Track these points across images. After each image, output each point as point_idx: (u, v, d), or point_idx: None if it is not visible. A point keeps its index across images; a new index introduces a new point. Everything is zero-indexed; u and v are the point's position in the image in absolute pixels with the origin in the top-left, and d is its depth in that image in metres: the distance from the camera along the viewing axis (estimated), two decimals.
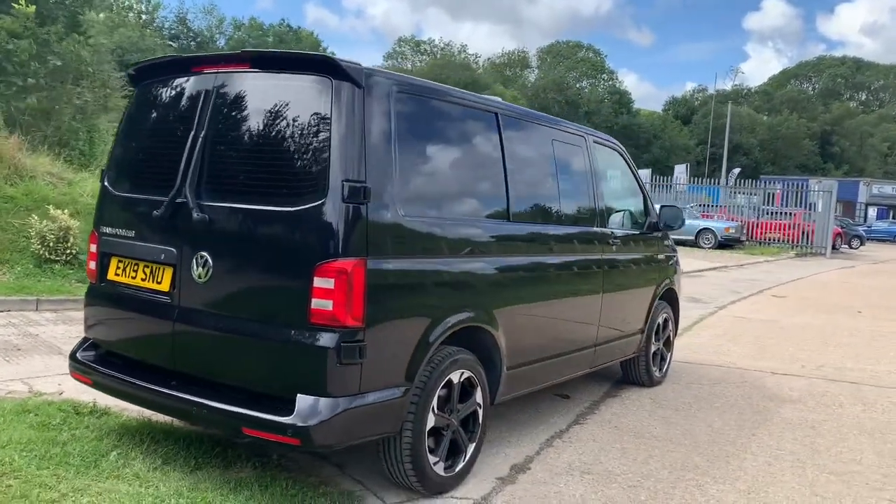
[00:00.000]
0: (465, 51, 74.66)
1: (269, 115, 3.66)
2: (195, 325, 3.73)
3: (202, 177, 3.76)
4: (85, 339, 4.36)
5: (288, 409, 3.39)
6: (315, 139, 3.49)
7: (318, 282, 3.37)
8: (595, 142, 5.84)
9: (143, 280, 3.99)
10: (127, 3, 54.59)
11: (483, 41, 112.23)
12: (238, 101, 3.78)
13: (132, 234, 4.07)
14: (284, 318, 3.49)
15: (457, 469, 4.13)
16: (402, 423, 3.73)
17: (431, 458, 3.91)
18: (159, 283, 3.89)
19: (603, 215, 5.64)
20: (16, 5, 17.51)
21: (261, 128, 3.69)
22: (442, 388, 3.94)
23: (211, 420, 3.69)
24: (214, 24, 59.81)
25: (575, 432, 5.32)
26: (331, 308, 3.36)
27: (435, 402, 3.88)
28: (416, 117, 3.89)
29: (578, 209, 5.38)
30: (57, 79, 16.01)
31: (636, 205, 6.46)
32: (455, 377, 4.03)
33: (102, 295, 4.25)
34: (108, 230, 4.24)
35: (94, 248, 4.34)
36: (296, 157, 3.55)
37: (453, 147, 4.22)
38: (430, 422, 3.87)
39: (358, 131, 3.47)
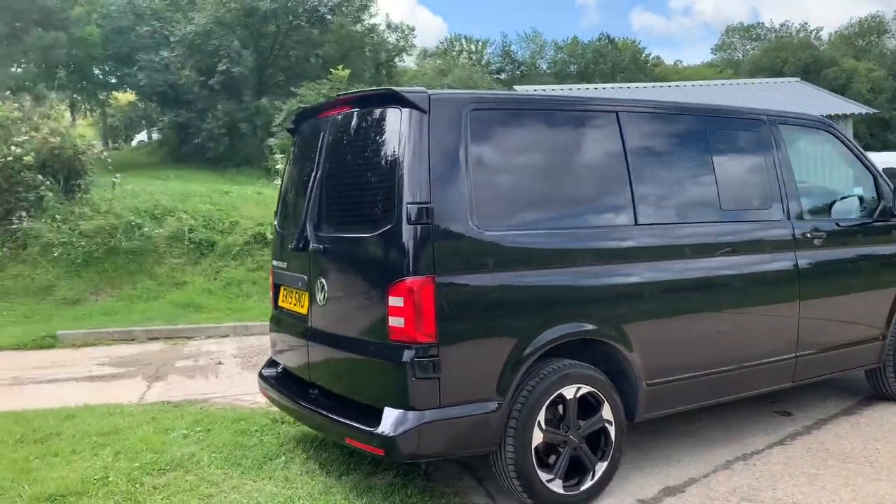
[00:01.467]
0: (805, 29, 67.44)
1: (358, 148, 4.00)
2: (319, 342, 4.19)
3: (317, 210, 4.22)
4: (270, 359, 5.08)
5: (378, 420, 3.62)
6: (389, 166, 3.72)
7: (392, 300, 3.57)
8: (783, 123, 5.12)
9: (293, 304, 4.56)
10: (456, 46, 59.57)
11: (832, 12, 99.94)
12: (337, 140, 4.19)
13: (285, 265, 4.69)
14: (374, 335, 3.75)
15: (582, 488, 3.96)
16: (502, 437, 3.72)
17: (543, 475, 3.81)
18: (301, 307, 4.42)
19: (795, 207, 4.91)
20: (333, 70, 20.57)
21: (352, 160, 4.04)
22: (552, 403, 3.84)
23: (329, 430, 4.08)
24: (536, 50, 61.92)
25: (768, 454, 4.69)
26: (403, 325, 3.53)
27: (542, 418, 3.80)
28: (496, 131, 3.89)
29: (750, 203, 4.77)
30: None
31: (859, 189, 5.48)
32: (568, 392, 3.89)
33: (277, 320, 4.93)
34: (276, 263, 4.92)
35: (271, 280, 5.06)
36: (376, 184, 3.81)
37: (546, 155, 4.08)
38: (538, 438, 3.79)
39: (423, 154, 3.60)
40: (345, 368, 4.05)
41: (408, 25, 40.70)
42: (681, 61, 66.23)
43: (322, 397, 4.21)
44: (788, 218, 4.87)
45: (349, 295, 4.02)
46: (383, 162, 3.79)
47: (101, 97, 33.03)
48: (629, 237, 4.19)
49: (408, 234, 3.54)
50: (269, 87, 25.13)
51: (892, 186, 5.38)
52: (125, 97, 36.08)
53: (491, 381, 3.68)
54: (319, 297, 4.15)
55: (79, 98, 32.47)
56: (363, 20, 28.28)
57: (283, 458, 4.59)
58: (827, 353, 5.07)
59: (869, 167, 5.49)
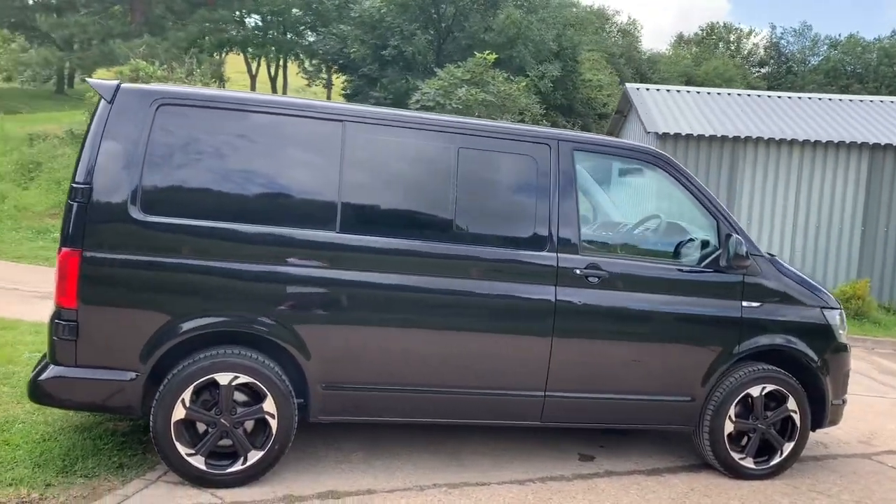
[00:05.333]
0: None
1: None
2: None
3: None
4: None
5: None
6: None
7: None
8: (588, 151, 4.80)
9: None
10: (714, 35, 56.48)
11: None
12: None
13: None
14: None
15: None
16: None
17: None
18: None
19: (569, 239, 4.61)
20: (478, 53, 20.83)
21: None
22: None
23: None
24: (808, 45, 56.82)
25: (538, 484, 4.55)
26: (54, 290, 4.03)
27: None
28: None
29: (494, 228, 4.59)
30: None
31: (701, 233, 4.96)
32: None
33: None
34: None
35: None
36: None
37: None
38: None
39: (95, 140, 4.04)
40: None
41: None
42: None
43: None
44: (553, 250, 4.58)
45: None
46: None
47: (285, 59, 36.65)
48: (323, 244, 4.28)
49: (67, 209, 4.00)
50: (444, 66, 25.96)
51: (738, 238, 4.78)
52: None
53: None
54: None
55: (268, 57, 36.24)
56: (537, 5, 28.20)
57: None
58: (597, 399, 4.73)
59: (710, 209, 4.92)
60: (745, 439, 5.00)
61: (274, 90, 39.79)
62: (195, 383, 4.11)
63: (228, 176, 4.22)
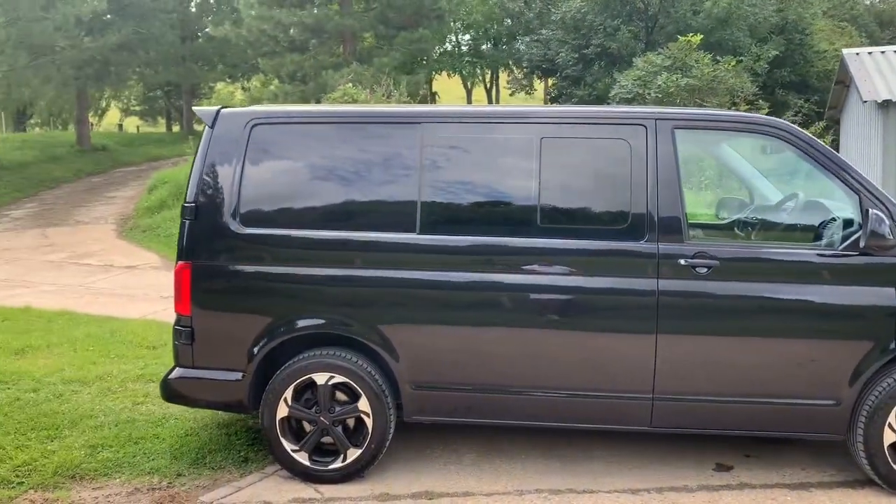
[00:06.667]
0: None
1: None
2: None
3: None
4: None
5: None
6: None
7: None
8: (689, 128, 4.36)
9: None
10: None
11: None
12: None
13: None
14: None
15: None
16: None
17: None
18: None
19: (671, 227, 4.21)
20: (681, 37, 19.77)
21: None
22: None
23: None
24: None
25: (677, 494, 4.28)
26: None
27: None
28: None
29: (583, 219, 4.31)
30: None
31: (824, 210, 4.28)
32: None
33: None
34: None
35: None
36: None
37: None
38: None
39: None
40: None
41: None
42: None
43: None
44: (652, 240, 4.21)
45: None
46: None
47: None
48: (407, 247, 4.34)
49: (181, 227, 4.46)
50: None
51: (877, 214, 4.04)
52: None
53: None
54: None
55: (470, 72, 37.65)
56: None
57: None
58: (715, 403, 4.26)
59: (848, 181, 4.21)
60: None
61: (490, 101, 40.96)
62: (295, 382, 4.36)
63: (311, 186, 4.44)
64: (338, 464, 4.39)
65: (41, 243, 16.54)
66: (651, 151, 4.26)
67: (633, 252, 4.22)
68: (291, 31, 23.07)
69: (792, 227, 4.68)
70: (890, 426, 4.16)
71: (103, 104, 44.04)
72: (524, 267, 4.28)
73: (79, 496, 4.26)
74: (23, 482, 4.37)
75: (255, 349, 4.37)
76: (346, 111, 4.76)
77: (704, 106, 17.17)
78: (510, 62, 36.50)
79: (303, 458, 4.40)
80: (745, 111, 18.95)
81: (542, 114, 4.53)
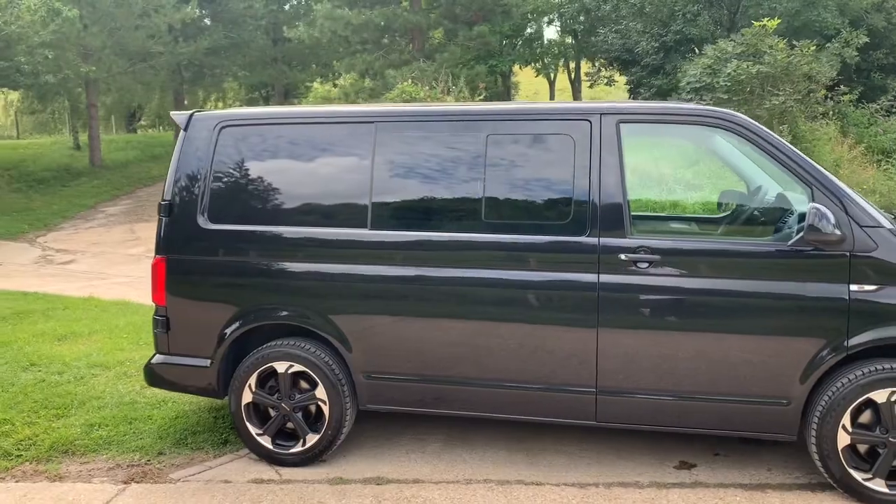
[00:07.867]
0: None
1: None
2: None
3: None
4: None
5: None
6: None
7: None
8: (634, 122, 4.32)
9: None
10: None
11: None
12: None
13: None
14: None
15: None
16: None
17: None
18: None
19: (613, 221, 4.20)
20: (756, 22, 18.98)
21: None
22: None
23: None
24: None
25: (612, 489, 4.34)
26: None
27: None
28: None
29: (526, 215, 4.34)
30: None
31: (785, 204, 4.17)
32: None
33: None
34: None
35: None
36: None
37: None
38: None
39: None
40: None
41: None
42: None
43: None
44: (594, 234, 4.20)
45: None
46: None
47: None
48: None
49: (158, 224, 4.81)
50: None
51: (816, 208, 3.89)
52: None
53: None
54: None
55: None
56: None
57: None
58: (661, 400, 4.22)
59: (801, 174, 4.06)
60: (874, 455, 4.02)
61: (575, 96, 40.41)
62: (258, 370, 4.63)
63: (272, 184, 4.68)
64: (297, 448, 4.63)
65: (127, 238, 17.73)
66: (595, 146, 4.26)
67: (574, 246, 4.24)
68: (364, 33, 23.62)
69: (752, 222, 4.55)
70: (844, 428, 4.01)
71: (208, 106, 46.37)
72: (469, 261, 4.38)
73: (66, 469, 4.68)
74: (21, 455, 4.84)
75: (223, 338, 4.66)
76: (305, 112, 4.98)
77: (777, 94, 16.45)
78: (592, 52, 35.94)
79: (266, 441, 4.67)
80: (822, 97, 18.05)
81: (488, 112, 4.58)
